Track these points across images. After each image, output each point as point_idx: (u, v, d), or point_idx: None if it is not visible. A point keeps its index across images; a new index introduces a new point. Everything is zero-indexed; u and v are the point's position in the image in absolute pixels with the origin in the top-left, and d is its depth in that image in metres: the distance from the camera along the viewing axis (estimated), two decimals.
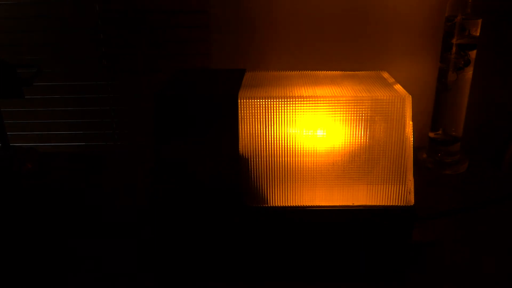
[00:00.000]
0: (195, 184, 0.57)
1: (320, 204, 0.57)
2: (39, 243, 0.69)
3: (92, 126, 1.01)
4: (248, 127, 0.56)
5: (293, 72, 0.68)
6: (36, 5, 0.92)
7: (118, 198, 0.81)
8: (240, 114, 0.55)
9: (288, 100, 0.55)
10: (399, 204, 0.57)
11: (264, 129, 0.56)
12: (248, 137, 0.56)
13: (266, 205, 0.58)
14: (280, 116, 0.55)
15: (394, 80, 0.62)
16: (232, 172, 0.56)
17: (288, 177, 0.57)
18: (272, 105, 0.55)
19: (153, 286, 0.60)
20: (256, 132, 0.56)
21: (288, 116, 0.55)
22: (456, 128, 0.87)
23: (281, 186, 0.57)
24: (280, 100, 0.55)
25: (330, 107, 0.55)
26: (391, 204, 0.57)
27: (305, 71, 0.69)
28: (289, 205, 0.58)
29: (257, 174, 0.57)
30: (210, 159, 0.56)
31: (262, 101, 0.55)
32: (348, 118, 0.55)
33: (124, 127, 1.01)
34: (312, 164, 0.57)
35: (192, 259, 0.61)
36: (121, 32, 0.94)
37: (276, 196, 0.58)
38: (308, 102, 0.55)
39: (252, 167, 0.57)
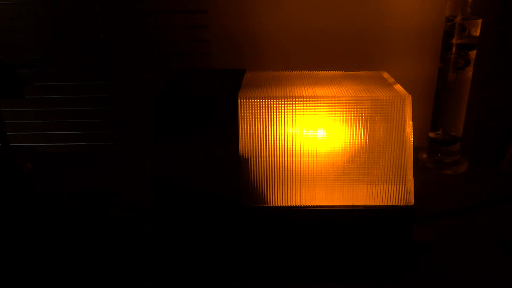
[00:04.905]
0: (195, 184, 0.57)
1: (320, 204, 0.57)
2: (39, 243, 0.69)
3: (92, 126, 1.01)
4: (248, 127, 0.56)
5: (293, 72, 0.68)
6: (36, 5, 0.92)
7: (118, 198, 0.81)
8: (240, 114, 0.55)
9: (288, 100, 0.55)
10: (399, 204, 0.57)
11: (264, 129, 0.56)
12: (248, 137, 0.56)
13: (266, 205, 0.58)
14: (280, 116, 0.55)
15: (394, 80, 0.62)
16: (232, 172, 0.56)
17: (288, 177, 0.57)
18: (272, 105, 0.55)
19: (153, 286, 0.60)
20: (256, 132, 0.56)
21: (288, 116, 0.55)
22: (456, 128, 0.87)
23: (281, 186, 0.57)
24: (280, 100, 0.55)
25: (330, 107, 0.55)
26: (391, 204, 0.57)
27: (305, 71, 0.69)
28: (289, 205, 0.58)
29: (257, 174, 0.57)
30: (210, 159, 0.56)
31: (262, 101, 0.55)
32: (348, 118, 0.55)
33: (124, 127, 1.01)
34: (312, 164, 0.57)
35: (192, 259, 0.61)
36: (121, 32, 0.94)
37: (276, 196, 0.58)
38: (308, 102, 0.55)
39: (252, 167, 0.57)
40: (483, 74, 0.89)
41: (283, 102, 0.55)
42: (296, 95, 0.55)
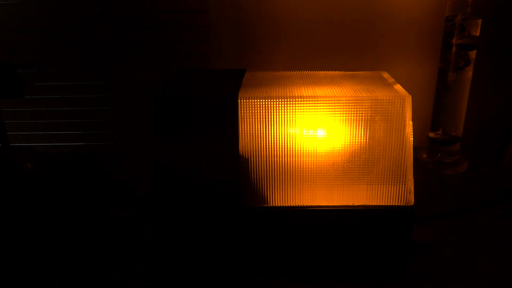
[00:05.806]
0: (195, 184, 0.57)
1: (320, 204, 0.57)
2: (40, 243, 0.69)
3: (92, 126, 1.01)
4: (248, 127, 0.56)
5: (293, 72, 0.68)
6: (36, 5, 0.92)
7: (118, 198, 0.81)
8: (240, 114, 0.55)
9: (288, 100, 0.55)
10: (399, 204, 0.57)
11: (264, 129, 0.56)
12: (248, 137, 0.56)
13: (266, 205, 0.58)
14: (280, 116, 0.55)
15: (394, 80, 0.62)
16: (232, 172, 0.56)
17: (288, 177, 0.57)
18: (272, 105, 0.55)
19: (153, 286, 0.60)
20: (256, 132, 0.56)
21: (288, 116, 0.55)
22: (456, 128, 0.87)
23: (281, 186, 0.57)
24: (280, 100, 0.55)
25: (330, 107, 0.55)
26: (391, 204, 0.57)
27: (305, 71, 0.69)
28: (289, 205, 0.58)
29: (257, 174, 0.57)
30: (210, 159, 0.56)
31: (262, 101, 0.55)
32: (348, 118, 0.55)
33: (124, 127, 1.01)
34: (312, 164, 0.57)
35: (192, 259, 0.61)
36: (121, 32, 0.94)
37: (276, 196, 0.58)
38: (308, 102, 0.55)
39: (252, 167, 0.57)
40: (483, 74, 0.89)
41: (283, 102, 0.55)
42: (296, 95, 0.55)
